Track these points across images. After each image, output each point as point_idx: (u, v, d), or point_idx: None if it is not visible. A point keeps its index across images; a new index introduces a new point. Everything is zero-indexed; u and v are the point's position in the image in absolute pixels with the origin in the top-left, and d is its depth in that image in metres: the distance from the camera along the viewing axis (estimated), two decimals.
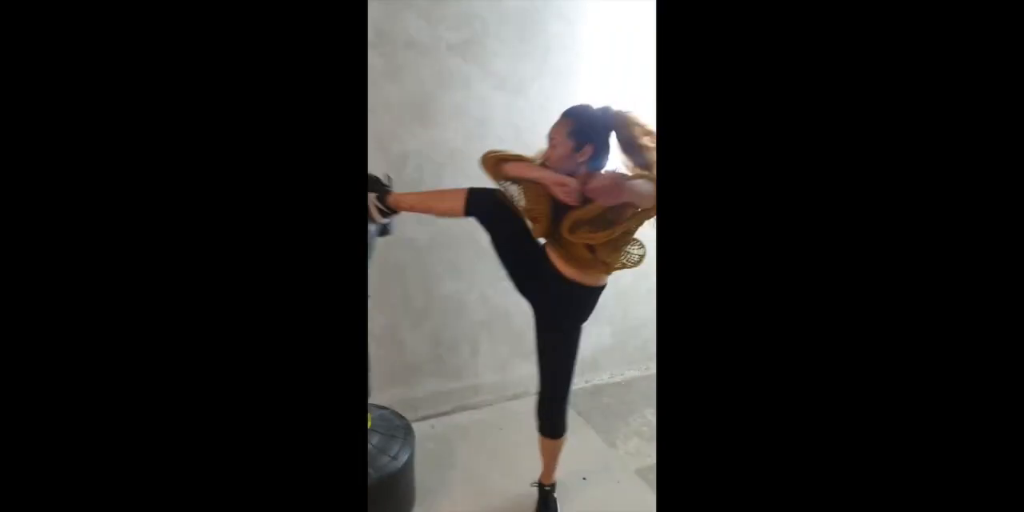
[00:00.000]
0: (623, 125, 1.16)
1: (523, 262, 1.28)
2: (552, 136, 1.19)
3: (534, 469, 1.60)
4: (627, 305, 2.32)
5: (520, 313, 2.09)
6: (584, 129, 1.15)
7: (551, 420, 1.45)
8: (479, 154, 1.28)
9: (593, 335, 2.27)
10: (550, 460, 1.55)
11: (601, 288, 1.29)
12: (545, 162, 1.20)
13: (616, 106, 1.19)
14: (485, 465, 1.77)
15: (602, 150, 1.18)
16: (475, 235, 1.91)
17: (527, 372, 2.18)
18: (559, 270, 1.23)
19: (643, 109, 1.14)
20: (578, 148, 1.15)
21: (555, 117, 1.23)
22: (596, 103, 1.21)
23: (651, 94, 0.71)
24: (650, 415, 2.11)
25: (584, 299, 1.30)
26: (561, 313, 1.33)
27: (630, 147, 1.16)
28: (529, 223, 1.22)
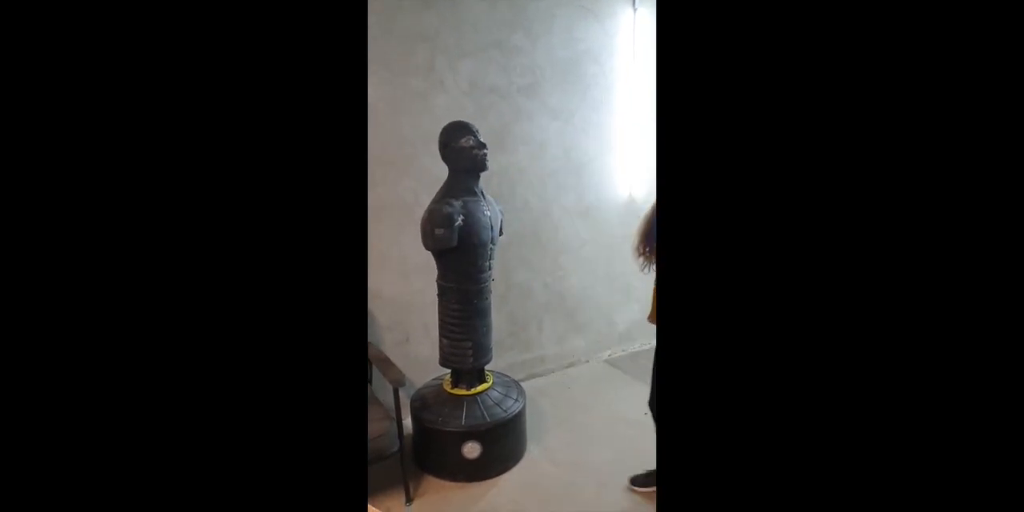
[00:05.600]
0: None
1: None
2: None
3: (604, 418, 2.08)
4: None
5: (572, 296, 2.60)
6: None
7: None
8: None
9: (627, 312, 2.78)
10: None
11: None
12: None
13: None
14: (566, 414, 2.27)
15: None
16: (539, 235, 2.42)
17: (579, 344, 2.68)
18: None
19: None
20: None
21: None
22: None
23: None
24: None
25: None
26: None
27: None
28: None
